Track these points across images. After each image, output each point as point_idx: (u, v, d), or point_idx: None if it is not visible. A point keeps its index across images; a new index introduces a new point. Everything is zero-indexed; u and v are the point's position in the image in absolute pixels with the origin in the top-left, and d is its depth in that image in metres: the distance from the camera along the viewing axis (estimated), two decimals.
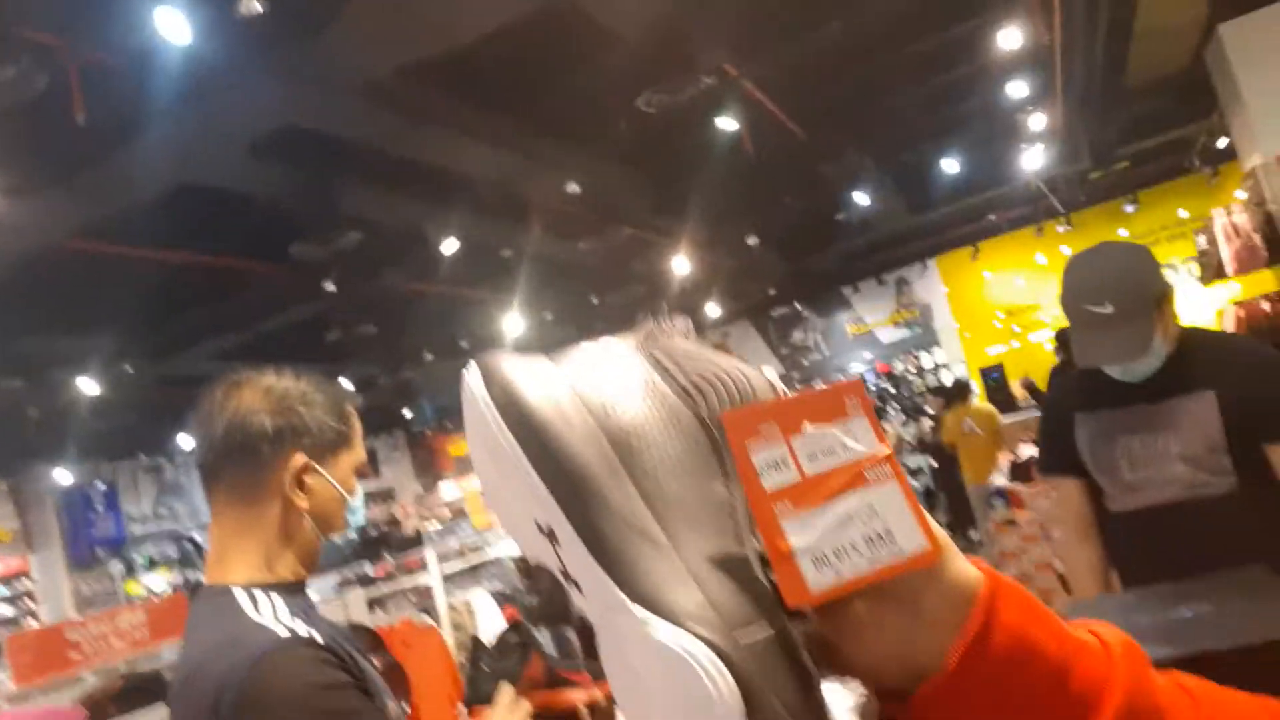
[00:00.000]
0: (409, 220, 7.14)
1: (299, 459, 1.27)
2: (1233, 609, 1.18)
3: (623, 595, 0.44)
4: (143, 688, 3.65)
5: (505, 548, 9.37)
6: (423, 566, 6.17)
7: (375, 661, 1.37)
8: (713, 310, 12.96)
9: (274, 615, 1.20)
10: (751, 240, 10.08)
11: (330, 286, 6.85)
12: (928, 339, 14.21)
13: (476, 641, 4.75)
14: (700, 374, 0.50)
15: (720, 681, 0.41)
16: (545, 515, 0.47)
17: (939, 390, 11.10)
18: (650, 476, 0.47)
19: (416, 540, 7.87)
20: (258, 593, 1.22)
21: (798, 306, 14.86)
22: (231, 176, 5.86)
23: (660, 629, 0.42)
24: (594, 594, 0.46)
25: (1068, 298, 1.91)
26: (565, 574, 0.48)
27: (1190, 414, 1.87)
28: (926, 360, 14.14)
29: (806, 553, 0.43)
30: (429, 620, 5.14)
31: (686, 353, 0.52)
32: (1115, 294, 1.80)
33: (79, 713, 3.45)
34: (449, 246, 7.38)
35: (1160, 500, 1.90)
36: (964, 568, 0.45)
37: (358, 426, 1.37)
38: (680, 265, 9.42)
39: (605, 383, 0.50)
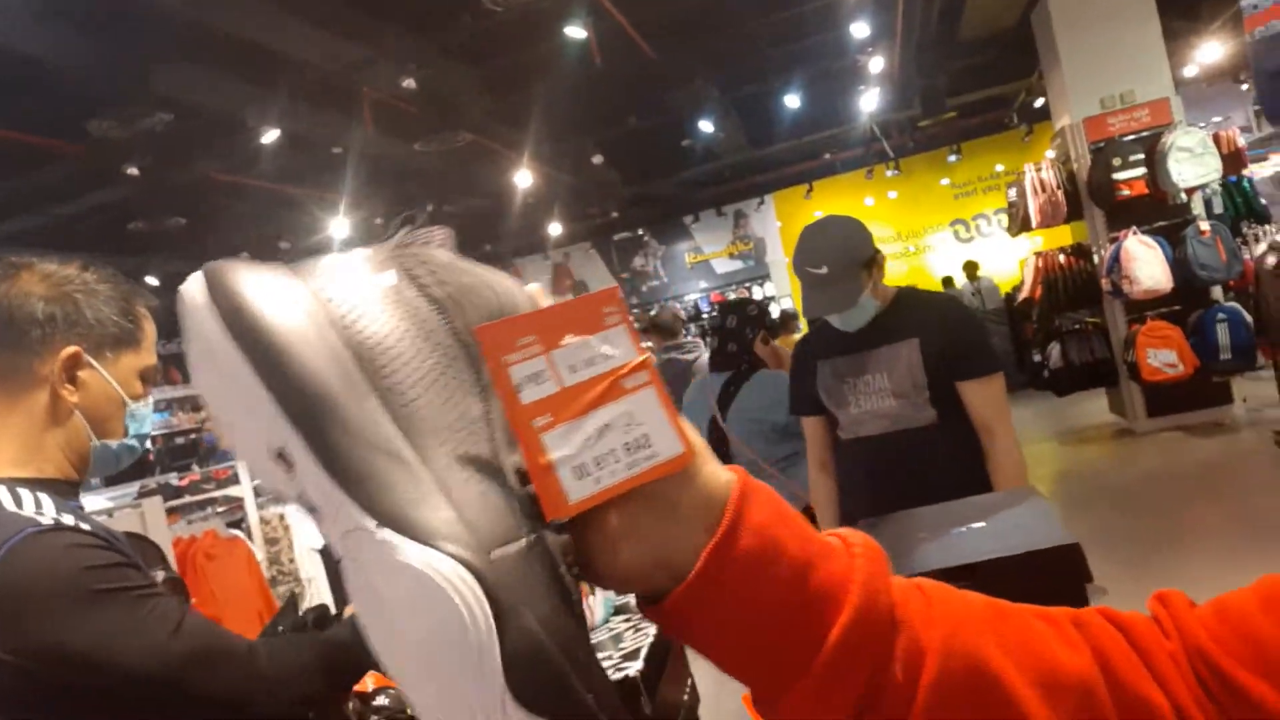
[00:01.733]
0: (227, 104, 6.59)
1: (70, 350, 1.20)
2: (1000, 525, 1.27)
3: (365, 517, 0.41)
4: None
5: None
6: (233, 477, 5.88)
7: (157, 575, 1.27)
8: (554, 229, 12.82)
9: (36, 509, 1.12)
10: (596, 159, 9.98)
11: (133, 170, 6.26)
12: (760, 272, 14.65)
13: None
14: (457, 286, 0.48)
15: (471, 599, 0.39)
16: (277, 436, 0.43)
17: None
18: (397, 392, 0.44)
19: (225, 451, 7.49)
20: (19, 489, 1.14)
21: (640, 232, 14.93)
22: (15, 36, 5.18)
23: (407, 549, 0.40)
24: (334, 519, 0.43)
25: (796, 261, 2.24)
26: (304, 500, 0.44)
27: (899, 358, 2.24)
28: (757, 293, 14.61)
29: (566, 463, 0.43)
30: (236, 533, 4.92)
31: (444, 264, 0.50)
32: (829, 258, 2.18)
33: None
34: (271, 137, 6.88)
35: (878, 431, 2.27)
36: (717, 471, 0.46)
37: (149, 330, 1.30)
38: (522, 179, 9.21)
39: (350, 294, 0.46)
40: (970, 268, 12.30)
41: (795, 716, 0.45)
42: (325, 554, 5.33)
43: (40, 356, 1.19)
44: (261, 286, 0.45)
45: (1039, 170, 8.20)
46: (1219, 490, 5.64)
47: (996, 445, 2.20)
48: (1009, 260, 12.08)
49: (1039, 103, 10.69)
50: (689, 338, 6.89)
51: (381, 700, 0.85)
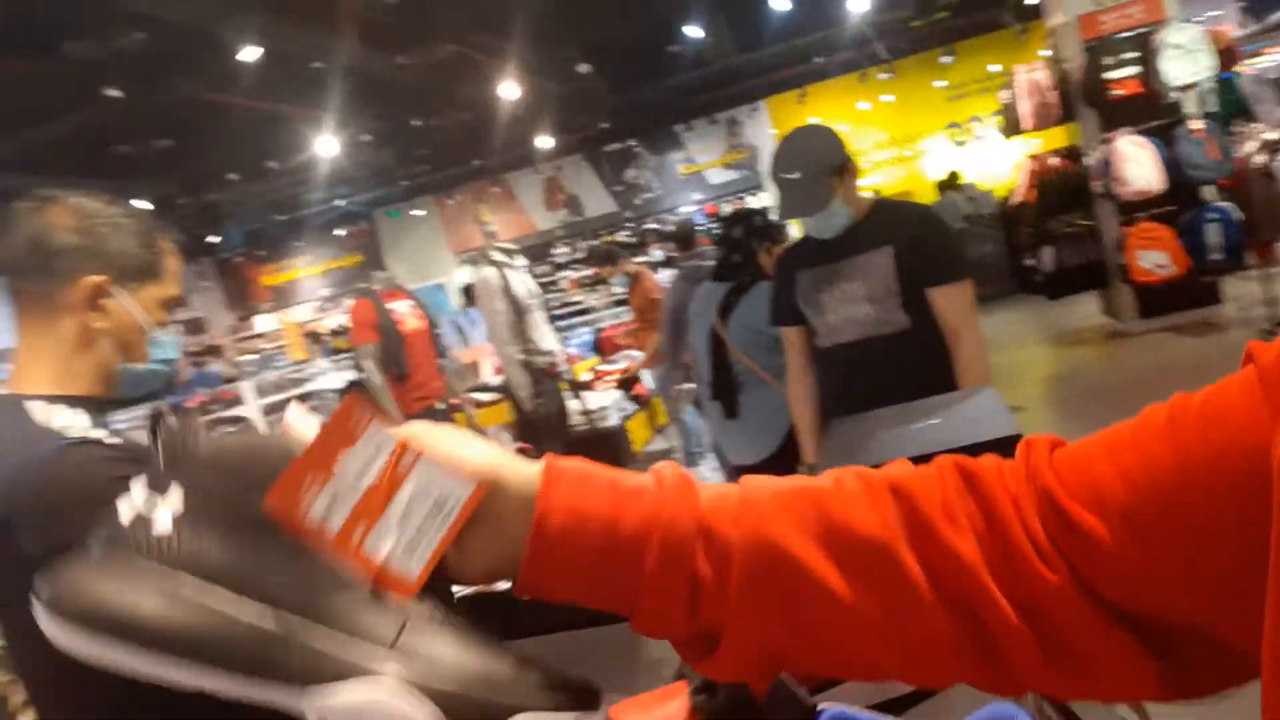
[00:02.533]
0: (203, 21, 6.44)
1: (95, 279, 1.28)
2: (953, 420, 1.35)
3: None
4: None
5: (327, 380, 9.20)
6: (238, 399, 5.98)
7: None
8: (544, 142, 12.64)
9: (69, 423, 1.20)
10: (582, 68, 9.79)
11: (113, 93, 6.16)
12: (755, 182, 14.50)
13: None
14: (211, 480, 0.57)
15: (411, 699, 0.52)
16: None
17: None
18: (275, 595, 0.54)
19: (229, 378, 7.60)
20: (54, 404, 1.23)
21: (631, 143, 14.72)
22: None
23: (343, 693, 0.52)
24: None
25: (773, 168, 2.38)
26: None
27: (874, 264, 2.34)
28: (753, 203, 14.48)
29: (394, 553, 0.53)
30: None
31: (203, 468, 0.58)
32: (801, 164, 2.32)
33: None
34: (250, 54, 6.75)
35: (854, 337, 2.39)
36: (520, 473, 0.56)
37: (173, 262, 1.38)
38: (507, 90, 9.06)
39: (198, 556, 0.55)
40: (952, 178, 12.19)
41: (646, 629, 0.56)
42: None
43: (67, 285, 1.26)
44: (113, 585, 0.53)
45: (1031, 71, 8.07)
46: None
47: (963, 348, 2.32)
48: (1003, 161, 11.96)
49: (1032, 0, 10.43)
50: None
51: None
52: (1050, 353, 8.13)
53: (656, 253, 13.65)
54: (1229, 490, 0.46)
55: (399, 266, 12.16)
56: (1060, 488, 0.52)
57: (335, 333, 13.93)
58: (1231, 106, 7.25)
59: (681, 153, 14.89)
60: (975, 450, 1.13)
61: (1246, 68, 7.43)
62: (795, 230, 3.46)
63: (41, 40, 5.81)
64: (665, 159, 15.01)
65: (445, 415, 5.40)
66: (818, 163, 2.32)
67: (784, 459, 2.86)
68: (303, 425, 0.59)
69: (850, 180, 2.37)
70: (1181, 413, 0.51)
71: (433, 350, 5.44)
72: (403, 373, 5.15)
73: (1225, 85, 7.22)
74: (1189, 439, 0.49)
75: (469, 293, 14.45)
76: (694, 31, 9.68)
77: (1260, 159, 5.87)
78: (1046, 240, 8.05)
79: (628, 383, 7.29)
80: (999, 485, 0.55)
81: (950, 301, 2.33)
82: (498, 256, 5.49)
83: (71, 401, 1.25)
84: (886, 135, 13.65)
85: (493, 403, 7.45)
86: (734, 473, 3.46)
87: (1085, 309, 8.41)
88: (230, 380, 10.15)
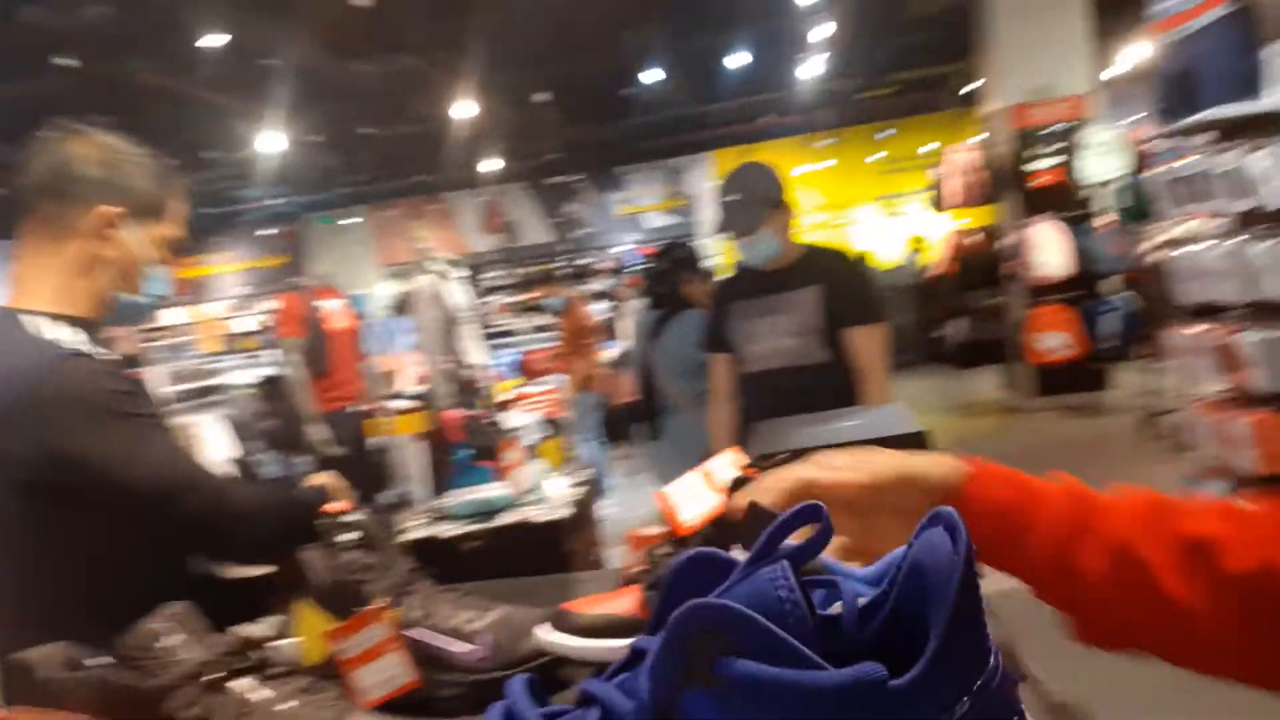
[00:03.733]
0: (163, 3, 6.40)
1: (110, 209, 1.35)
2: (868, 421, 1.51)
3: None
4: None
5: (237, 376, 9.00)
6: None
7: None
8: (490, 166, 12.74)
9: (66, 337, 1.28)
10: (539, 97, 9.96)
11: (67, 62, 6.05)
12: (690, 230, 14.81)
13: None
14: None
15: None
16: None
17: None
18: None
19: (134, 362, 7.40)
20: (55, 321, 1.29)
21: (574, 178, 14.93)
22: None
23: None
24: None
25: (719, 192, 2.64)
26: None
27: (802, 302, 2.57)
28: None
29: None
30: None
31: None
32: (742, 189, 2.59)
33: None
34: (212, 41, 6.72)
35: (778, 365, 2.59)
36: (941, 464, 0.74)
37: (179, 206, 1.46)
38: (461, 110, 9.16)
39: None
40: (916, 242, 12.68)
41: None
42: None
43: (83, 211, 1.33)
44: None
45: (963, 151, 8.56)
46: (1082, 463, 6.05)
47: (870, 386, 2.55)
48: (932, 234, 12.52)
49: (970, 89, 11.04)
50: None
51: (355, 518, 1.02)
52: (949, 421, 8.51)
53: (594, 284, 13.86)
54: None
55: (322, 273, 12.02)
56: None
57: (247, 334, 13.66)
58: (1140, 206, 7.80)
59: (621, 193, 15.15)
60: (881, 443, 1.29)
61: (1152, 169, 8.00)
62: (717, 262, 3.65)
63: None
64: (605, 197, 15.25)
65: (361, 417, 5.41)
66: (756, 191, 2.57)
67: None
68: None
69: (783, 217, 2.61)
70: None
71: (357, 352, 5.46)
72: (324, 370, 5.15)
73: (1136, 187, 7.78)
74: None
75: (401, 304, 14.28)
76: (652, 77, 9.95)
77: (1155, 257, 6.32)
78: (960, 313, 8.49)
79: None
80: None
81: (865, 342, 2.56)
82: (436, 266, 5.57)
83: (70, 320, 1.31)
84: (822, 198, 14.16)
85: (409, 411, 7.44)
86: None
87: (987, 382, 8.84)
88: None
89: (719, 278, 3.65)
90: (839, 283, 2.58)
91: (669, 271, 3.64)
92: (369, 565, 0.85)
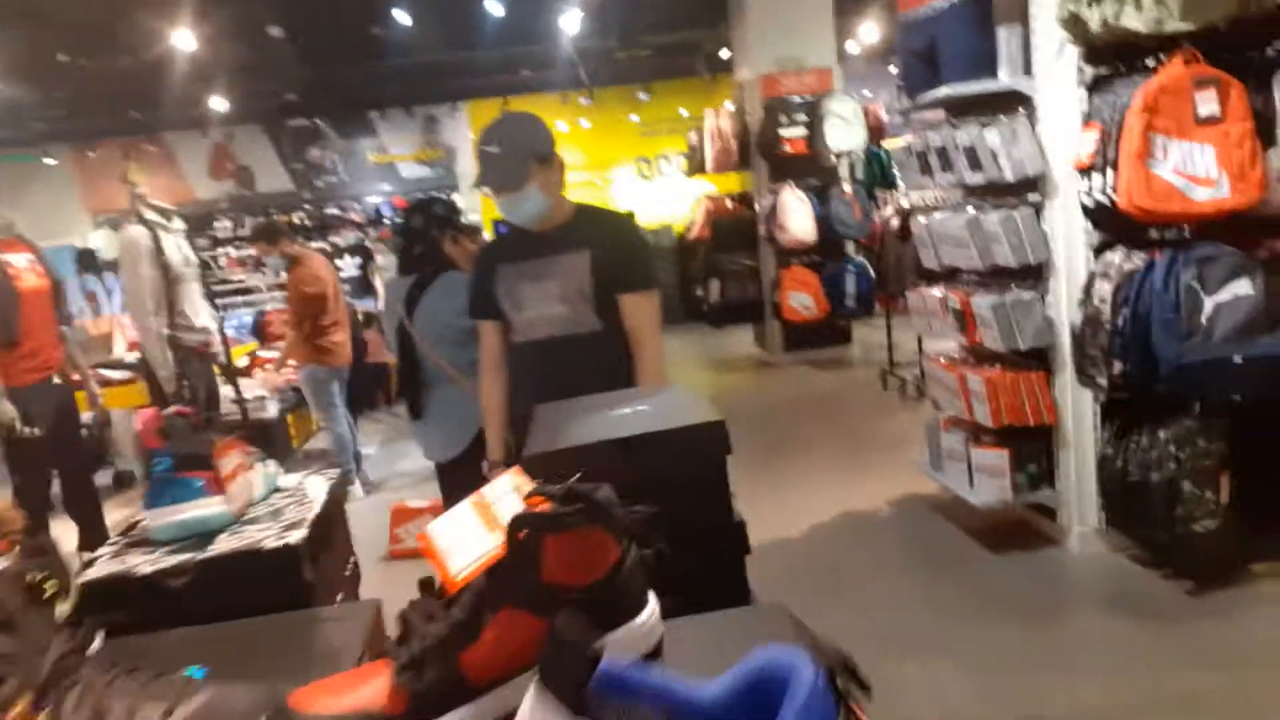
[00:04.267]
0: None
1: None
2: (659, 407, 1.36)
3: None
4: None
5: None
6: None
7: None
8: (218, 105, 11.48)
9: None
10: (274, 31, 9.03)
11: None
12: (449, 182, 14.24)
13: None
14: None
15: None
16: None
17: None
18: None
19: None
20: None
21: (318, 122, 13.83)
22: None
23: None
24: None
25: (479, 142, 2.37)
26: None
27: (571, 267, 2.36)
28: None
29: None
30: None
31: None
32: (505, 141, 2.33)
33: None
34: None
35: (546, 335, 2.39)
36: None
37: None
38: (182, 40, 8.10)
39: None
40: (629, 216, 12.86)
41: None
42: None
43: None
44: None
45: (717, 118, 8.75)
46: (832, 413, 6.50)
47: (644, 355, 2.41)
48: (684, 199, 12.81)
49: (725, 54, 11.32)
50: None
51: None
52: (708, 376, 8.83)
53: (338, 240, 12.96)
54: None
55: (20, 220, 10.36)
56: None
57: None
58: (876, 176, 8.35)
59: (374, 140, 14.27)
60: (680, 434, 1.15)
61: (890, 142, 8.58)
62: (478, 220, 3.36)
63: None
64: (355, 143, 14.29)
65: (64, 390, 4.64)
66: (521, 144, 2.33)
67: (476, 457, 2.77)
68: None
69: (552, 174, 2.37)
70: None
71: (54, 315, 4.65)
72: (13, 338, 4.35)
73: (873, 157, 8.30)
74: None
75: (89, 257, 12.56)
76: (402, 17, 9.31)
77: (894, 222, 6.78)
78: (715, 274, 8.74)
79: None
80: None
81: (638, 309, 2.41)
82: (151, 215, 4.84)
83: None
84: (583, 158, 14.08)
85: (125, 382, 6.58)
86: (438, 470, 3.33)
87: (742, 338, 9.21)
88: None
89: (485, 239, 3.37)
90: (612, 246, 2.39)
91: (425, 229, 3.30)
92: (6, 656, 0.57)
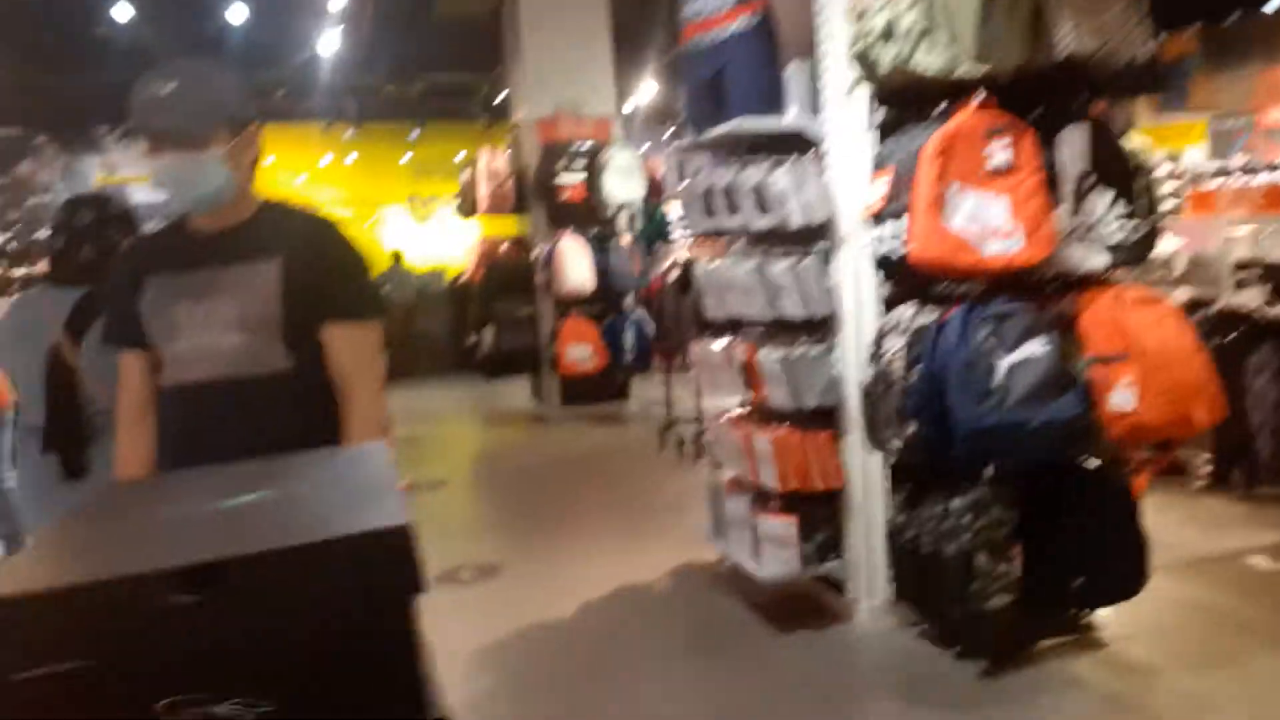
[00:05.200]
0: None
1: None
2: (317, 494, 0.82)
3: None
4: None
5: None
6: None
7: None
8: None
9: None
10: None
11: None
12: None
13: None
14: None
15: None
16: None
17: None
18: None
19: None
20: None
21: (22, 133, 12.04)
22: None
23: None
24: None
25: (145, 81, 1.67)
26: None
27: (255, 281, 1.72)
28: None
29: None
30: None
31: None
32: (183, 80, 1.66)
33: None
34: None
35: (208, 375, 1.72)
36: None
37: None
38: None
39: None
40: (396, 257, 12.10)
41: None
42: None
43: None
44: None
45: (493, 158, 8.30)
46: (610, 473, 6.11)
47: (357, 404, 1.78)
48: (457, 240, 12.24)
49: (501, 98, 10.95)
50: None
51: None
52: (480, 431, 8.23)
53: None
54: None
55: None
56: None
57: None
58: (654, 230, 8.19)
59: (102, 158, 12.63)
60: (313, 553, 0.62)
61: (668, 193, 8.49)
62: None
63: None
64: (78, 160, 12.59)
65: None
66: (211, 92, 1.70)
67: None
68: None
69: (244, 150, 1.74)
70: None
71: None
72: None
73: (653, 210, 8.15)
74: None
75: None
76: (133, 24, 8.21)
77: (672, 275, 6.58)
78: (490, 322, 8.20)
79: None
80: None
81: (350, 344, 1.78)
82: None
83: None
84: (346, 195, 13.17)
85: None
86: None
87: (518, 391, 8.69)
88: None
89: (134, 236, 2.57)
90: (313, 256, 1.75)
91: (97, 229, 2.55)
92: None
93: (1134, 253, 2.93)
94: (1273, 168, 9.23)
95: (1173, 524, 4.02)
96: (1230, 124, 11.24)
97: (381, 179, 13.49)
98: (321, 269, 1.75)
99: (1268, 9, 11.53)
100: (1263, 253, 4.51)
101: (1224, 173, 6.73)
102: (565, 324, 7.48)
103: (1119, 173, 2.90)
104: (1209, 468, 4.57)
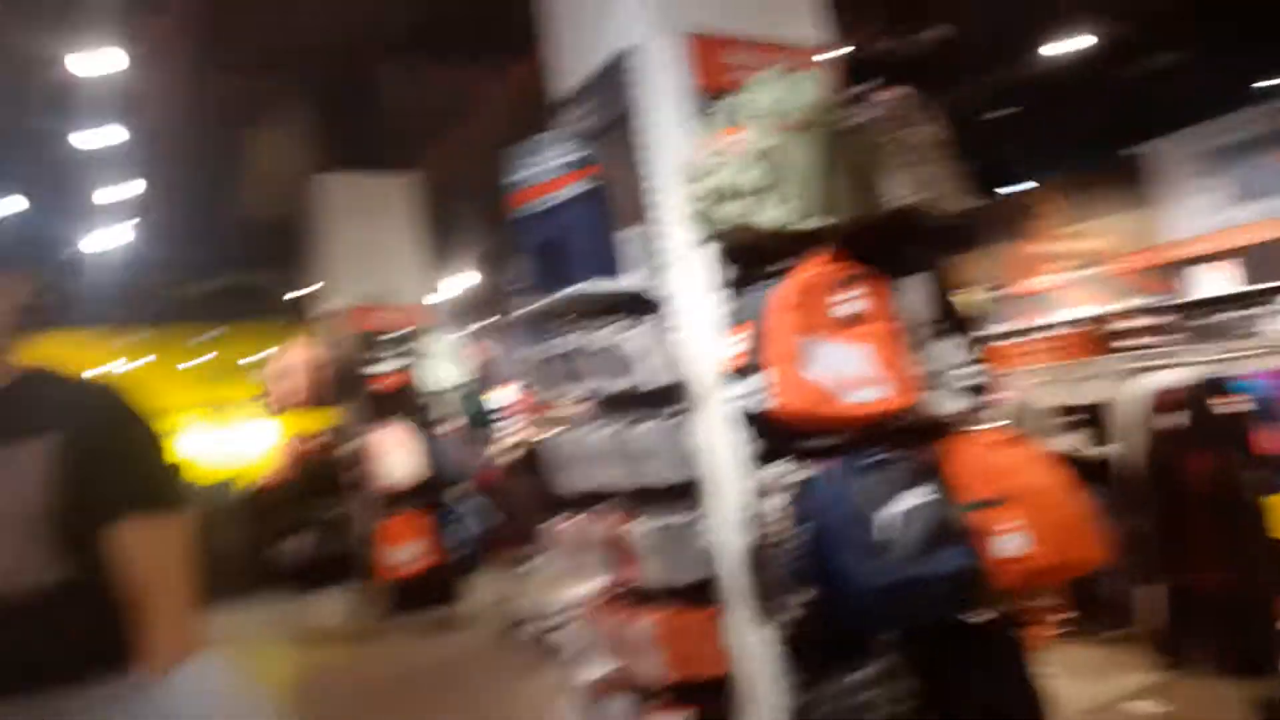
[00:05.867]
0: None
1: None
2: None
3: None
4: None
5: None
6: None
7: None
8: None
9: None
10: None
11: None
12: None
13: None
14: None
15: None
16: None
17: None
18: None
19: None
20: None
21: None
22: None
23: None
24: None
25: None
26: None
27: (13, 467, 1.37)
28: None
29: None
30: None
31: None
32: None
33: None
34: None
35: None
36: None
37: None
38: None
39: None
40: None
41: None
42: None
43: None
44: None
45: (301, 353, 7.84)
46: (450, 689, 5.45)
47: (160, 619, 1.38)
48: (266, 439, 11.41)
49: (306, 291, 10.59)
50: None
51: None
52: (295, 655, 7.27)
53: None
54: None
55: None
56: None
57: None
58: (479, 416, 7.90)
59: None
60: None
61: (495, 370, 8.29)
62: None
63: None
64: None
65: None
66: None
67: None
68: None
69: (7, 296, 1.46)
70: None
71: None
72: None
73: (477, 393, 7.89)
74: None
75: None
76: None
77: (510, 458, 6.26)
78: (303, 527, 7.47)
79: None
80: None
81: (148, 543, 1.41)
82: None
83: None
84: (142, 398, 12.15)
85: None
86: None
87: (335, 604, 7.82)
88: None
89: None
90: (95, 435, 1.42)
91: None
92: None
93: (983, 397, 2.95)
94: (1048, 325, 10.23)
95: (1046, 675, 3.93)
96: (994, 294, 12.56)
97: (177, 380, 12.57)
98: (103, 451, 1.39)
99: (1003, 191, 13.19)
100: (1075, 397, 4.75)
101: (1014, 333, 7.34)
102: (388, 524, 6.87)
103: (961, 320, 2.96)
104: (1062, 615, 4.58)
